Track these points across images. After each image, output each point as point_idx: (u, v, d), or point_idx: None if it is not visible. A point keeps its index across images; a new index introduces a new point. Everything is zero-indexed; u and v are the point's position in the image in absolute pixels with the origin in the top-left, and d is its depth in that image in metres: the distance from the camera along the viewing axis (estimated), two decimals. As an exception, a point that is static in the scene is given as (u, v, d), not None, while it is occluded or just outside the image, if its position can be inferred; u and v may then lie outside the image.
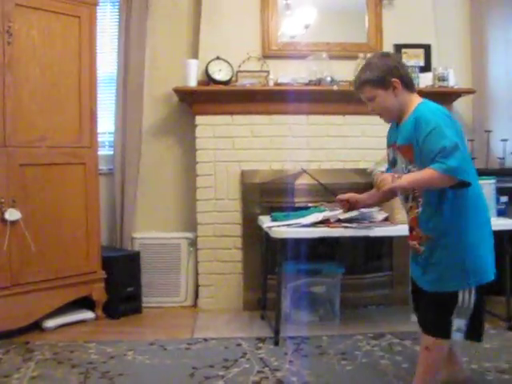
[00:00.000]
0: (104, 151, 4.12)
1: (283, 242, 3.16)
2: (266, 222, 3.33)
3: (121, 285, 3.75)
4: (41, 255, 3.37)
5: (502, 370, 2.73)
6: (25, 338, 3.27)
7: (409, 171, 2.22)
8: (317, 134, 3.93)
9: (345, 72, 3.91)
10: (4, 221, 3.20)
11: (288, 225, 3.13)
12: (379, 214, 3.31)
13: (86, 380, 2.66)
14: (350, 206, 2.81)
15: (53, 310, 3.46)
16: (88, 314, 3.65)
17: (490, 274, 2.23)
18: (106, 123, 4.09)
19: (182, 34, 4.18)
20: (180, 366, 2.83)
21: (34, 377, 2.70)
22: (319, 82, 3.86)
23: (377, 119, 3.85)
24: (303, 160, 3.89)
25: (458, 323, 2.22)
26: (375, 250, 4.06)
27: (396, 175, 2.22)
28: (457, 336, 2.24)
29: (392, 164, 2.39)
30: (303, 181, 3.81)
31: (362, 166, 3.88)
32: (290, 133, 3.92)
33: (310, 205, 3.57)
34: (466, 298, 2.20)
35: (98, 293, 3.66)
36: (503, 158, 4.22)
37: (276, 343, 3.16)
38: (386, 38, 4.09)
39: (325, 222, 3.14)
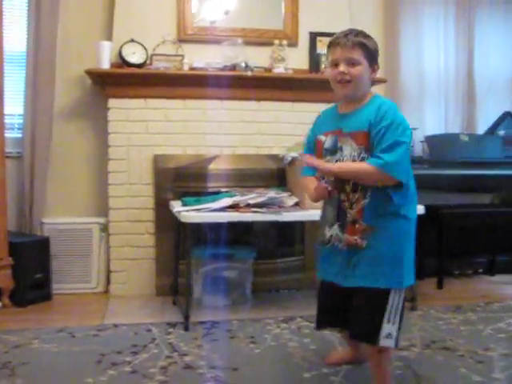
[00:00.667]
0: (13, 134, 3.97)
1: (192, 226, 3.16)
2: (176, 206, 3.31)
3: (29, 271, 3.64)
4: None
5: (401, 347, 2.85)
6: None
7: (362, 159, 2.13)
8: (231, 119, 3.94)
9: (260, 58, 3.96)
10: None
11: (198, 209, 3.12)
12: (289, 199, 3.36)
13: (-16, 371, 2.58)
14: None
15: (-45, 298, 3.34)
16: (-7, 302, 3.54)
17: (413, 277, 2.25)
18: (15, 105, 3.94)
19: (97, 14, 4.07)
20: (88, 353, 2.78)
21: None
22: (234, 67, 3.86)
23: (289, 106, 4.01)
24: (218, 145, 3.91)
25: (388, 329, 2.17)
26: (287, 235, 4.12)
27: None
28: (386, 343, 2.17)
29: (331, 152, 2.25)
30: (217, 166, 3.82)
31: (275, 151, 3.92)
32: (205, 118, 3.91)
33: (222, 190, 3.58)
34: (396, 300, 2.17)
35: (4, 280, 3.54)
36: (412, 147, 4.37)
37: (186, 328, 3.16)
38: (301, 26, 4.14)
39: (235, 207, 3.16)
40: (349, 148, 2.17)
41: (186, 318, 3.18)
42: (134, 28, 3.87)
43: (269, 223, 3.76)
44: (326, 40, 4.04)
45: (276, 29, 4.11)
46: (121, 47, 3.79)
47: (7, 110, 3.65)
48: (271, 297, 3.88)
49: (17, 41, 3.96)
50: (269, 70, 3.98)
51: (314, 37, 4.15)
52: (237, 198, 3.20)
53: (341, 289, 2.25)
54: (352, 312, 2.23)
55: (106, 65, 3.77)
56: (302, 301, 3.79)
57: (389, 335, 2.16)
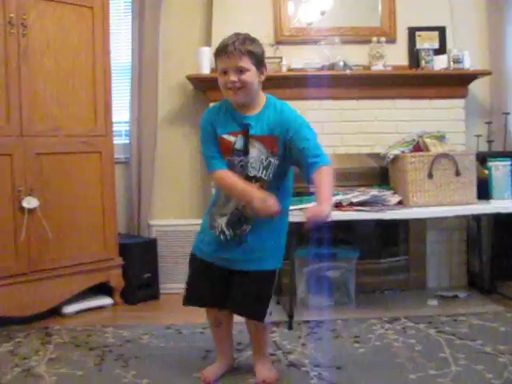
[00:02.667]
0: (120, 140, 4.17)
1: (296, 225, 3.16)
2: (279, 206, 3.33)
3: (138, 271, 3.81)
4: (58, 242, 3.43)
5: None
6: (44, 323, 3.34)
7: (269, 163, 2.26)
8: (331, 119, 3.92)
9: (358, 56, 3.93)
10: (22, 209, 3.27)
11: (300, 209, 3.13)
12: (393, 197, 3.31)
13: (101, 362, 2.72)
14: None
15: (71, 297, 3.52)
16: (106, 300, 3.71)
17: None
18: (122, 112, 4.14)
19: (195, 21, 4.20)
20: (194, 349, 2.87)
21: (52, 359, 2.76)
22: (332, 66, 3.85)
23: (390, 103, 3.94)
24: (318, 145, 3.90)
25: (270, 307, 2.46)
26: (391, 235, 4.05)
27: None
28: (269, 319, 2.48)
29: (240, 152, 2.30)
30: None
31: (376, 150, 3.86)
32: (305, 118, 3.90)
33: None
34: (277, 276, 2.44)
35: (116, 279, 3.72)
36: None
37: (290, 327, 3.18)
38: (399, 21, 4.06)
39: (338, 206, 3.14)
40: (256, 151, 2.27)
41: (290, 317, 3.20)
42: (231, 32, 3.90)
43: (372, 222, 3.71)
44: (426, 34, 4.06)
45: (373, 26, 4.06)
46: (220, 52, 3.87)
47: (116, 117, 3.84)
48: (375, 297, 3.83)
49: (122, 52, 4.17)
50: (367, 67, 3.94)
51: (412, 32, 4.06)
52: (339, 197, 3.19)
53: (225, 271, 2.45)
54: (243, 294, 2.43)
55: (206, 70, 3.87)
56: (407, 301, 3.72)
57: (270, 312, 2.45)
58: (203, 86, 3.95)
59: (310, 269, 3.60)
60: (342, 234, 3.78)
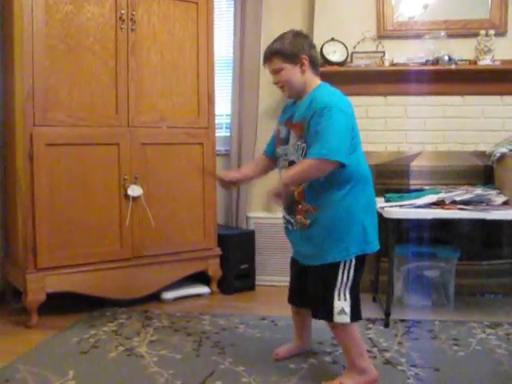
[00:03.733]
0: (221, 133, 4.25)
1: (395, 222, 3.12)
2: (379, 202, 3.30)
3: (235, 262, 3.88)
4: (160, 230, 3.56)
5: None
6: (145, 307, 3.49)
7: (297, 148, 2.30)
8: (434, 115, 3.83)
9: (464, 50, 3.79)
10: (127, 196, 3.41)
11: (401, 205, 3.08)
12: (498, 197, 3.18)
13: (199, 347, 2.80)
14: (232, 184, 2.75)
15: (171, 283, 3.64)
16: (204, 289, 3.81)
17: (373, 245, 2.36)
18: (224, 106, 4.22)
19: (297, 16, 4.19)
20: (288, 341, 2.86)
21: (153, 341, 2.89)
22: (437, 61, 3.75)
23: (497, 100, 3.78)
24: (420, 142, 3.82)
25: (341, 305, 2.29)
26: (495, 236, 3.88)
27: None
28: (339, 319, 2.29)
29: (284, 142, 2.42)
30: (419, 163, 3.74)
31: (481, 148, 3.73)
32: (407, 114, 3.85)
33: (425, 187, 3.49)
34: (347, 270, 2.29)
35: (214, 269, 3.80)
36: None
37: (386, 325, 3.14)
38: (511, 13, 3.88)
39: (439, 204, 3.06)
40: (292, 138, 2.36)
41: (387, 314, 3.16)
42: (333, 27, 3.93)
43: (475, 222, 3.58)
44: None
45: (482, 18, 3.89)
46: (322, 46, 3.87)
47: (217, 110, 3.92)
48: (475, 300, 3.69)
49: (225, 47, 4.24)
50: (474, 62, 3.80)
51: (528, 26, 3.88)
52: (442, 195, 3.11)
53: (301, 267, 2.47)
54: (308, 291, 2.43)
55: (308, 64, 3.87)
56: (510, 307, 3.56)
57: (341, 311, 2.29)
58: (303, 80, 3.95)
59: (409, 267, 3.53)
60: (443, 234, 3.67)
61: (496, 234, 3.86)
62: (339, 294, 2.29)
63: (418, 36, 3.86)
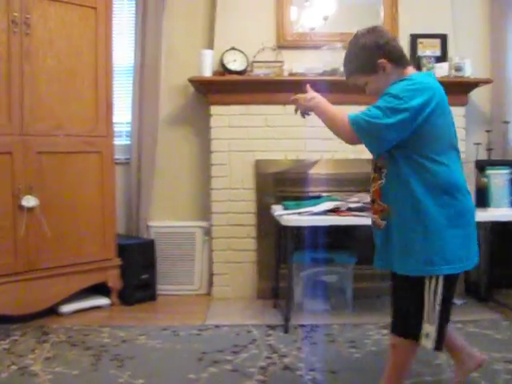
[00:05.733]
0: (121, 141, 4.18)
1: (293, 230, 3.18)
2: (277, 210, 3.35)
3: (136, 272, 3.81)
4: (57, 241, 3.44)
5: (509, 360, 2.72)
6: (41, 321, 3.36)
7: None
8: (331, 124, 3.93)
9: (360, 62, 3.93)
10: (21, 207, 3.28)
11: (299, 213, 3.15)
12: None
13: (97, 362, 2.73)
14: None
15: (69, 296, 3.53)
16: (103, 301, 3.72)
17: (465, 262, 2.00)
18: (124, 113, 4.15)
19: (198, 24, 4.20)
20: (190, 351, 2.88)
21: (48, 357, 2.78)
22: (334, 72, 3.86)
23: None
24: (318, 150, 3.91)
25: (428, 328, 1.98)
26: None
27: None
28: (426, 344, 1.99)
29: None
30: (317, 170, 3.83)
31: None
32: (305, 123, 3.88)
33: (323, 194, 3.58)
34: (432, 289, 1.96)
35: (114, 280, 3.72)
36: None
37: (286, 331, 3.19)
38: (401, 28, 4.07)
39: (336, 211, 3.15)
40: None
41: (286, 320, 3.21)
42: (234, 36, 3.97)
43: (370, 228, 3.70)
44: (427, 41, 4.07)
45: (376, 32, 4.06)
46: (222, 55, 3.90)
47: (117, 118, 3.85)
48: (372, 302, 3.82)
49: (125, 54, 4.17)
50: (369, 73, 3.94)
51: (414, 39, 4.08)
52: (338, 202, 3.20)
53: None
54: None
55: (208, 73, 3.88)
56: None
57: (427, 335, 1.98)
58: (204, 88, 3.97)
59: (308, 273, 3.61)
60: (341, 239, 3.78)
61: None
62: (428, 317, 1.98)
63: (316, 47, 3.96)
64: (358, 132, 1.99)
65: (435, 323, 1.97)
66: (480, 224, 3.63)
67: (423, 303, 1.97)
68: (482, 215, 3.33)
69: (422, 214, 1.96)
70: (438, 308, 1.96)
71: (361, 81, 2.14)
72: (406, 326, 2.03)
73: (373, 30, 2.11)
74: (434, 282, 1.96)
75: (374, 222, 2.16)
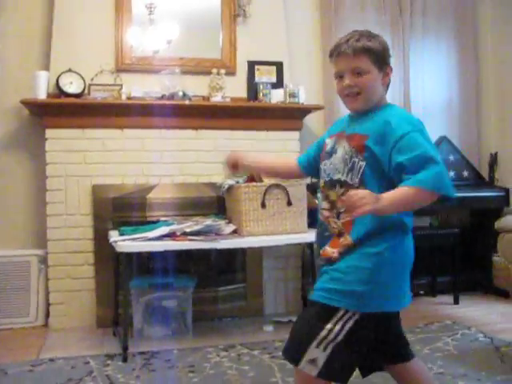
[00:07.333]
0: None
1: (128, 255, 3.14)
2: (114, 236, 3.29)
3: (-37, 306, 3.56)
4: None
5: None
6: None
7: (353, 164, 1.84)
8: (170, 148, 3.94)
9: (198, 87, 4.00)
10: None
11: (134, 239, 3.12)
12: (227, 227, 3.38)
13: None
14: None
15: None
16: None
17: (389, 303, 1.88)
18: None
19: (34, 43, 4.03)
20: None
21: None
22: (172, 96, 3.89)
23: (228, 134, 4.04)
24: (157, 174, 3.91)
25: (314, 353, 1.79)
26: (229, 263, 4.13)
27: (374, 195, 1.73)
28: (306, 368, 1.79)
29: (328, 155, 1.96)
30: (156, 195, 3.82)
31: (214, 179, 3.93)
32: (144, 147, 3.91)
33: (161, 219, 3.58)
34: (342, 325, 1.79)
35: None
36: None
37: (124, 359, 3.12)
38: (239, 55, 4.19)
39: (171, 236, 3.16)
40: (342, 150, 1.90)
41: (124, 348, 3.14)
42: (71, 58, 3.86)
43: (208, 251, 3.77)
44: (264, 68, 4.23)
45: (214, 58, 4.15)
46: (58, 77, 3.78)
47: None
48: (213, 325, 3.86)
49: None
50: (207, 98, 4.02)
51: (252, 65, 4.21)
52: (174, 227, 3.21)
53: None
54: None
55: (42, 95, 3.74)
56: (244, 328, 3.79)
57: (312, 361, 1.79)
58: (39, 111, 3.81)
59: (148, 298, 3.56)
60: (181, 263, 3.77)
61: (229, 261, 4.11)
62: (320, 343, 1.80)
63: (156, 71, 3.97)
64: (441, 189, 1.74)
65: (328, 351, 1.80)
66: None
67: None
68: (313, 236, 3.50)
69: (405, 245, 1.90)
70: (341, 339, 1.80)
71: (365, 65, 1.86)
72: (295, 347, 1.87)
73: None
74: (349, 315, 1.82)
75: (327, 255, 1.90)
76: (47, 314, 3.87)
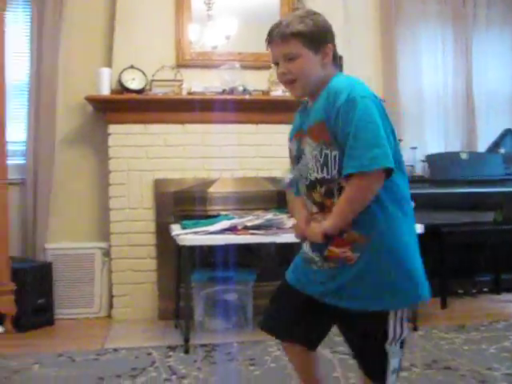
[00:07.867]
0: (15, 160, 4.03)
1: (190, 249, 3.18)
2: (175, 230, 3.34)
3: (31, 297, 3.67)
4: None
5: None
6: None
7: (326, 157, 1.70)
8: (231, 142, 3.98)
9: (258, 82, 4.00)
10: None
11: (195, 232, 3.15)
12: (288, 221, 3.37)
13: (-17, 396, 2.61)
14: None
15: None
16: (-4, 328, 3.56)
17: (425, 292, 1.75)
18: (18, 132, 4.01)
19: (97, 41, 4.14)
20: (86, 377, 2.79)
21: None
22: (232, 91, 3.91)
23: (287, 128, 4.00)
24: (217, 169, 3.94)
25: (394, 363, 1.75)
26: (289, 257, 4.11)
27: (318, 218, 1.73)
28: (392, 379, 1.75)
29: (296, 159, 1.86)
30: (216, 189, 3.85)
31: (275, 174, 3.94)
32: (204, 142, 3.95)
33: (221, 213, 3.60)
34: (397, 327, 1.73)
35: (7, 305, 3.56)
36: (413, 166, 4.39)
37: (186, 351, 3.16)
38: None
39: (232, 230, 3.18)
40: (308, 148, 1.77)
41: (186, 340, 3.18)
42: (133, 54, 3.94)
43: (270, 245, 3.77)
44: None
45: (274, 52, 4.14)
46: (120, 73, 3.86)
47: (11, 137, 3.73)
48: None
49: (20, 70, 4.04)
50: (267, 93, 4.02)
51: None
52: (234, 221, 3.22)
53: (307, 299, 1.86)
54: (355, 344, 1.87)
55: (106, 91, 3.83)
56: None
57: (394, 370, 1.75)
58: (103, 107, 3.91)
59: (208, 292, 3.60)
60: (240, 257, 3.79)
61: (290, 254, 4.08)
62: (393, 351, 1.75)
63: (216, 66, 4.00)
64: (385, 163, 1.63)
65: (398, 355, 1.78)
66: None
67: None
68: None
69: (401, 236, 1.75)
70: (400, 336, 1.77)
71: (295, 49, 1.75)
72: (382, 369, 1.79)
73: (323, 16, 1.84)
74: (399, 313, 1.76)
75: (325, 260, 1.78)
76: (111, 306, 3.97)
